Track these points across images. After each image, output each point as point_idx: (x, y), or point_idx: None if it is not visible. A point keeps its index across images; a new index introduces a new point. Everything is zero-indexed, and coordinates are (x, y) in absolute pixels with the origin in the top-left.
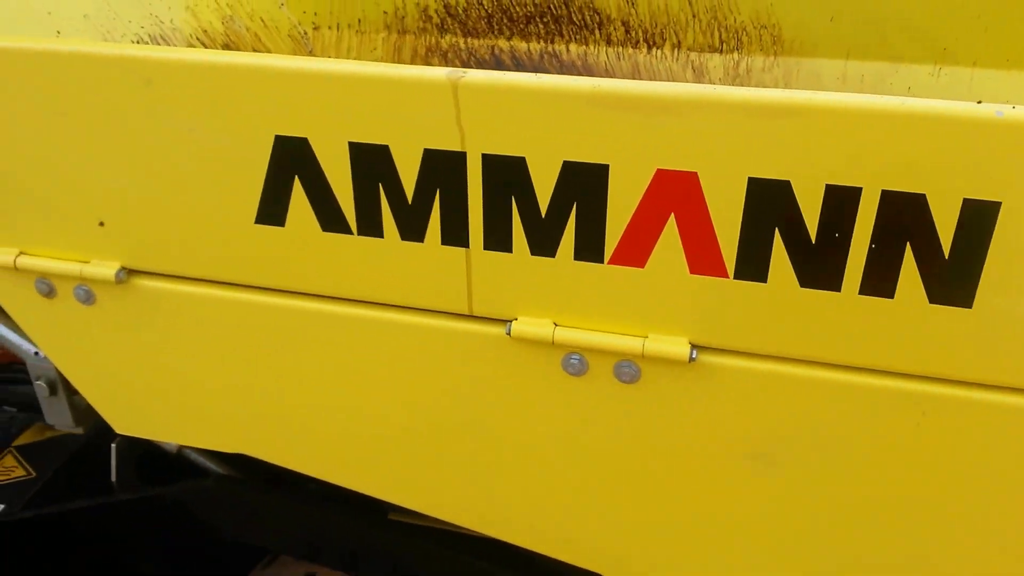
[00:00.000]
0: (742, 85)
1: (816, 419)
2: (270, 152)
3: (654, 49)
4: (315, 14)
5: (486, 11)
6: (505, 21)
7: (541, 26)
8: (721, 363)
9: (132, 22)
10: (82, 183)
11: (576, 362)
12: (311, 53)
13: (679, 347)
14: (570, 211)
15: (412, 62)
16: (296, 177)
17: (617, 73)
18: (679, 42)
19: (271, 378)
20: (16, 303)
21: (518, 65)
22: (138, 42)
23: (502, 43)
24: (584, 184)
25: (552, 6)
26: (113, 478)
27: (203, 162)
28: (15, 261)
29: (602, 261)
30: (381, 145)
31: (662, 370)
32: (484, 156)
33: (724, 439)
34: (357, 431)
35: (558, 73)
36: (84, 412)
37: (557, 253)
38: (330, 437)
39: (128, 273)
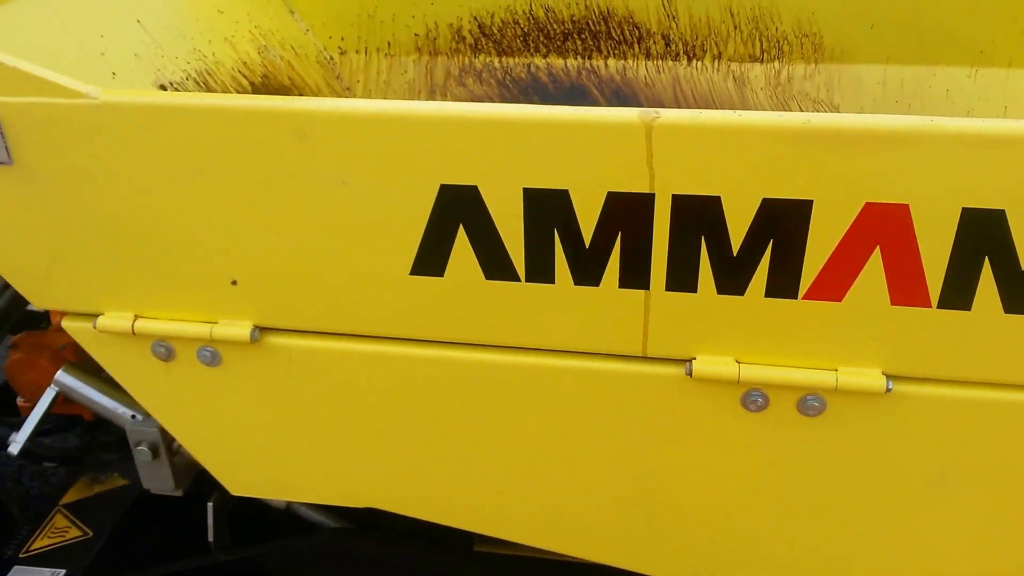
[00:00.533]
0: (784, 93)
1: (1002, 440)
2: (433, 201)
3: (694, 61)
4: (341, 39)
5: (522, 30)
6: (542, 39)
7: (579, 42)
8: (914, 391)
9: (179, 58)
10: (215, 242)
11: (758, 399)
12: (339, 78)
13: (874, 379)
14: (765, 248)
15: (445, 83)
16: (461, 225)
17: (657, 86)
18: (720, 53)
19: (412, 430)
20: (125, 368)
21: (555, 82)
22: (187, 79)
23: (538, 60)
24: (783, 221)
25: (591, 22)
26: (210, 537)
27: (356, 214)
28: (133, 326)
29: (795, 297)
30: (560, 190)
31: (850, 401)
32: (674, 197)
33: (907, 466)
34: (514, 480)
35: (597, 88)
36: (183, 473)
37: (747, 291)
38: (484, 488)
39: (261, 332)
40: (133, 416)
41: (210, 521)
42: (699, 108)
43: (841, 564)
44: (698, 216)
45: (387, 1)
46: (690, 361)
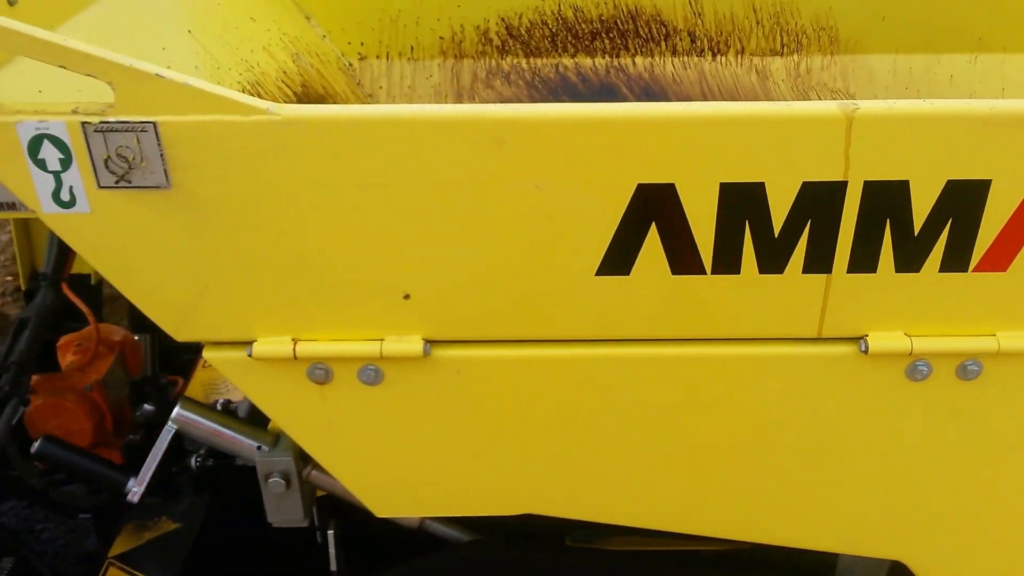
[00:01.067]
0: (803, 84)
1: None
2: (628, 201)
3: (719, 56)
4: (361, 44)
5: (550, 30)
6: (570, 39)
7: (607, 41)
8: None
9: (231, 69)
10: (389, 255)
11: (923, 368)
12: (359, 84)
13: None
14: (944, 226)
15: (473, 86)
16: (653, 223)
17: (684, 82)
18: (743, 48)
19: (583, 430)
20: (274, 395)
21: (585, 81)
22: (242, 91)
23: (566, 60)
24: (964, 200)
25: (619, 21)
26: (333, 567)
27: (544, 218)
28: (294, 350)
29: (966, 270)
30: (756, 183)
31: (1007, 363)
32: (866, 183)
33: None
34: (685, 472)
35: (626, 86)
36: (309, 502)
37: (922, 268)
38: (657, 483)
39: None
40: (259, 447)
41: (332, 550)
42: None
43: (994, 522)
44: (887, 200)
45: (411, 4)
46: (863, 338)
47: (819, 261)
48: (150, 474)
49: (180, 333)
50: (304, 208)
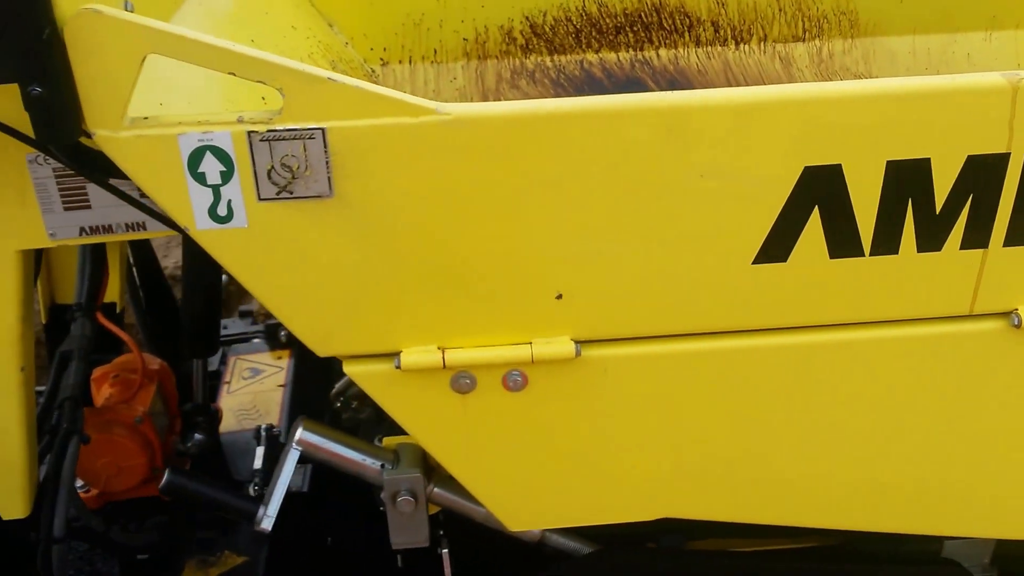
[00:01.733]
0: (827, 69)
1: None
2: (793, 185)
3: (742, 45)
4: (384, 49)
5: (574, 27)
6: (594, 34)
7: (631, 35)
8: None
9: None
10: (544, 254)
11: None
12: None
13: None
14: None
15: (498, 87)
16: (816, 207)
17: (709, 72)
18: (765, 35)
19: (730, 425)
20: (414, 407)
21: (610, 76)
22: None
23: (590, 56)
24: None
25: (643, 14)
26: None
27: (706, 208)
28: (444, 358)
29: None
30: (922, 159)
31: None
32: None
33: None
34: (834, 461)
35: (651, 79)
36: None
37: None
38: (807, 475)
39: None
40: (382, 465)
41: (447, 572)
42: None
43: None
44: None
45: (435, 7)
46: (1014, 312)
47: (977, 236)
48: (280, 500)
49: (325, 348)
50: (465, 210)
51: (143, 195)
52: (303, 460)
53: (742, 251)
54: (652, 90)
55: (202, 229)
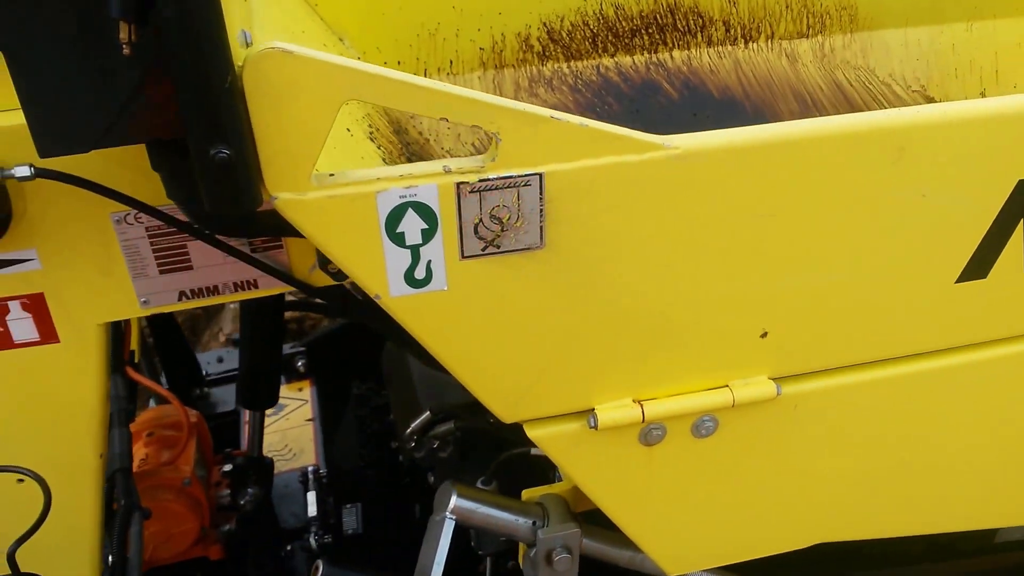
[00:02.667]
0: (829, 63)
1: None
2: (1005, 199)
3: (751, 43)
4: (398, 63)
5: (591, 31)
6: (610, 38)
7: (646, 37)
8: None
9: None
10: (754, 290)
11: None
12: None
13: None
14: None
15: (516, 96)
16: (1022, 221)
17: (721, 72)
18: (772, 33)
19: (910, 443)
20: (596, 466)
21: (626, 80)
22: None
23: (607, 60)
24: None
25: (658, 16)
26: None
27: (920, 229)
28: (643, 412)
29: None
30: None
31: None
32: None
33: None
34: (1003, 464)
35: (667, 81)
36: None
37: None
38: (965, 482)
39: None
40: (533, 523)
41: None
42: (760, 89)
43: None
44: None
45: (450, 16)
46: None
47: None
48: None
49: (513, 414)
50: (679, 250)
51: (255, 249)
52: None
53: (948, 270)
54: (669, 92)
55: (396, 296)
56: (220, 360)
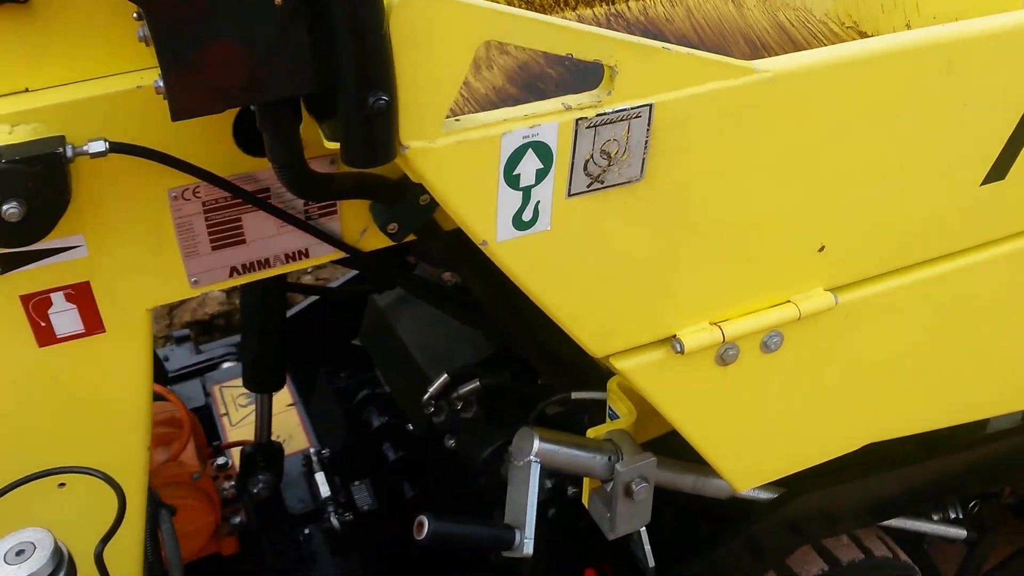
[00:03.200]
0: (771, 6)
1: None
2: None
3: None
4: None
5: None
6: None
7: None
8: None
9: None
10: (817, 207)
11: None
12: None
13: None
14: None
15: (488, 54)
16: None
17: (675, 20)
18: None
19: (943, 339)
20: (678, 391)
21: None
22: None
23: (568, 14)
24: None
25: None
26: (651, 563)
27: (960, 137)
28: (723, 333)
29: None
30: None
31: None
32: None
33: None
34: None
35: (626, 31)
36: None
37: None
38: (997, 368)
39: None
40: (608, 458)
41: (647, 547)
42: (713, 35)
43: None
44: None
45: None
46: None
47: None
48: (534, 520)
49: (605, 347)
50: (760, 172)
51: (310, 217)
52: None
53: (975, 174)
54: None
55: (503, 240)
56: (166, 360)
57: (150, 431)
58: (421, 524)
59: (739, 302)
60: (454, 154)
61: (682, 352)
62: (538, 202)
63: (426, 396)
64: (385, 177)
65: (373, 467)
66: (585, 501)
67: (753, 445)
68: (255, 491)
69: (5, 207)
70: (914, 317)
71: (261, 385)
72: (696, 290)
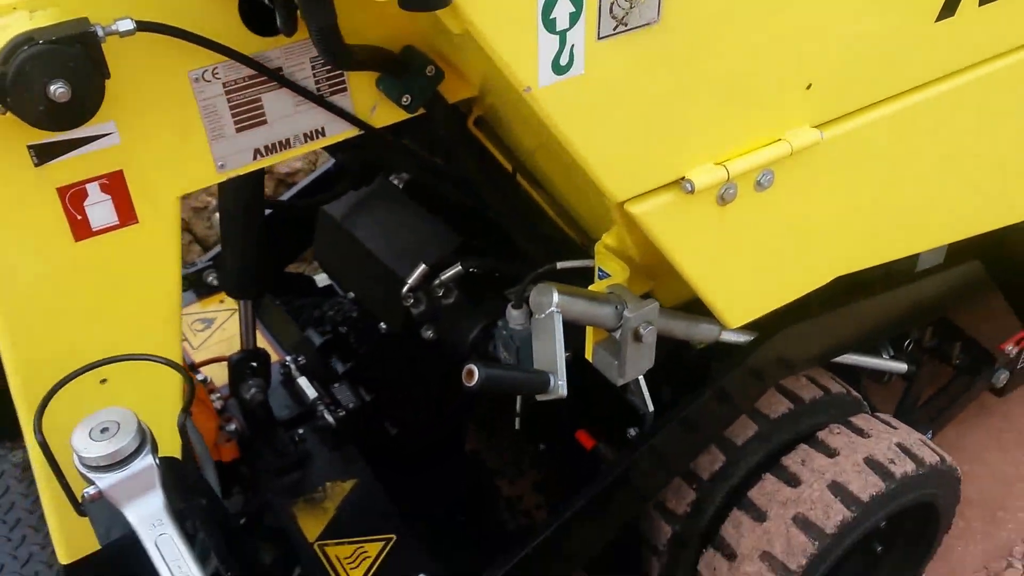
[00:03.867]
0: None
1: None
2: None
3: None
4: None
5: None
6: None
7: None
8: None
9: None
10: (803, 43)
11: None
12: None
13: None
14: None
15: None
16: None
17: None
18: None
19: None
20: (682, 233)
21: None
22: None
23: None
24: None
25: None
26: (650, 408)
27: None
28: (727, 172)
29: None
30: None
31: None
32: None
33: None
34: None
35: None
36: None
37: None
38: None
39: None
40: (615, 307)
41: (645, 393)
42: None
43: None
44: None
45: None
46: None
47: None
48: (564, 366)
49: (624, 190)
50: (758, 12)
51: (331, 93)
52: None
53: (929, 12)
54: None
55: (545, 85)
56: None
57: (180, 320)
58: (471, 372)
59: (739, 141)
60: (497, 2)
61: (692, 192)
62: (572, 46)
63: (405, 288)
64: (392, 51)
65: (347, 371)
66: (589, 356)
67: (744, 281)
68: (247, 397)
69: (53, 87)
70: (886, 149)
71: (244, 291)
72: (704, 130)
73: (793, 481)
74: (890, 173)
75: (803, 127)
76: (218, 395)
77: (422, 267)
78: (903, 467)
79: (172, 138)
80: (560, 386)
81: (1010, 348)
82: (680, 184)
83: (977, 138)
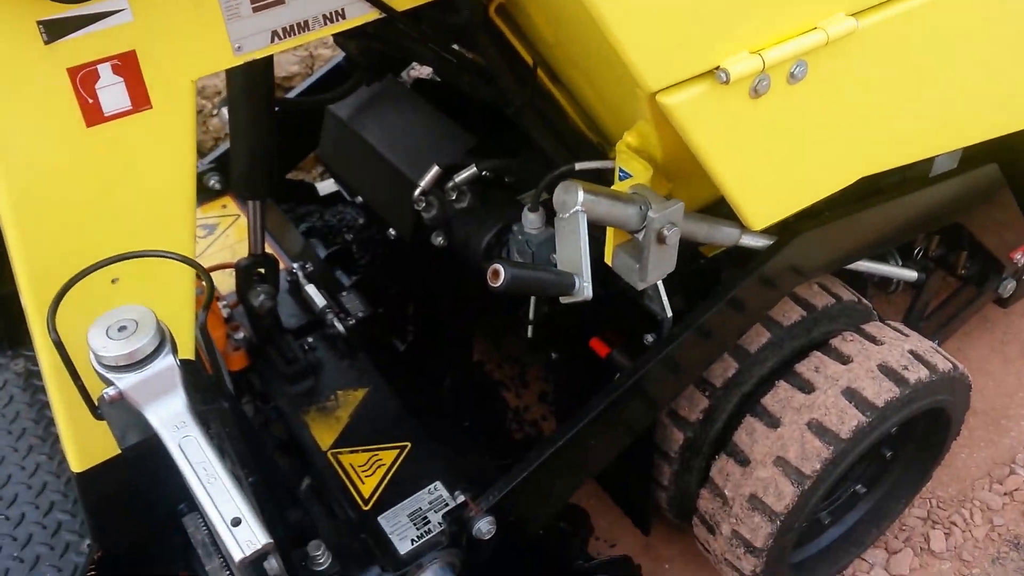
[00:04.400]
0: None
1: None
2: None
3: None
4: None
5: None
6: None
7: None
8: None
9: None
10: None
11: None
12: None
13: None
14: None
15: None
16: None
17: None
18: None
19: (936, 67)
20: (712, 126)
21: None
22: None
23: None
24: None
25: None
26: (669, 313)
27: None
28: (763, 61)
29: None
30: None
31: None
32: None
33: None
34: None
35: None
36: None
37: None
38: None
39: None
40: (639, 208)
41: (664, 298)
42: None
43: None
44: None
45: None
46: None
47: None
48: (589, 266)
49: (658, 78)
50: None
51: None
52: None
53: None
54: None
55: None
56: None
57: (195, 217)
58: (497, 272)
59: (775, 27)
60: None
61: (726, 82)
62: None
63: (417, 191)
64: None
65: (355, 282)
66: (608, 259)
67: (770, 181)
68: (256, 304)
69: None
70: (918, 42)
71: (254, 190)
72: (742, 14)
73: (807, 388)
74: (920, 68)
75: (838, 15)
76: (224, 303)
77: (435, 169)
78: (916, 373)
79: (186, 17)
80: (585, 287)
81: (1019, 256)
82: (715, 74)
83: (1008, 30)
